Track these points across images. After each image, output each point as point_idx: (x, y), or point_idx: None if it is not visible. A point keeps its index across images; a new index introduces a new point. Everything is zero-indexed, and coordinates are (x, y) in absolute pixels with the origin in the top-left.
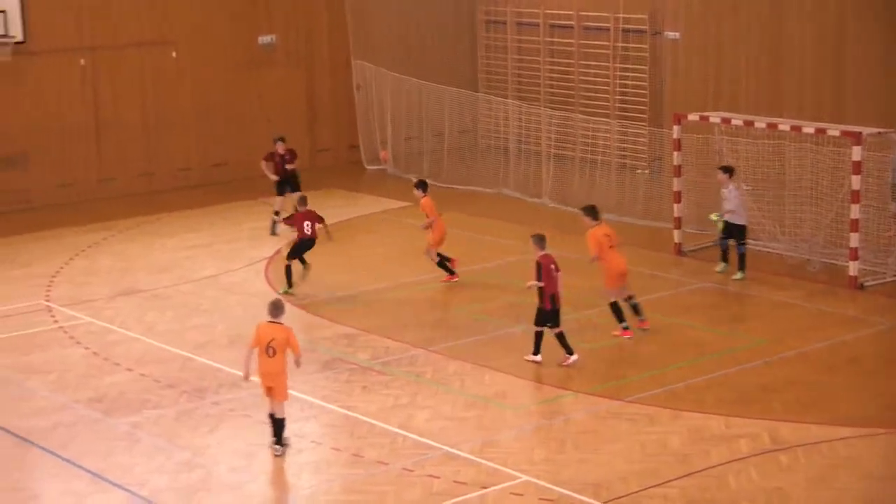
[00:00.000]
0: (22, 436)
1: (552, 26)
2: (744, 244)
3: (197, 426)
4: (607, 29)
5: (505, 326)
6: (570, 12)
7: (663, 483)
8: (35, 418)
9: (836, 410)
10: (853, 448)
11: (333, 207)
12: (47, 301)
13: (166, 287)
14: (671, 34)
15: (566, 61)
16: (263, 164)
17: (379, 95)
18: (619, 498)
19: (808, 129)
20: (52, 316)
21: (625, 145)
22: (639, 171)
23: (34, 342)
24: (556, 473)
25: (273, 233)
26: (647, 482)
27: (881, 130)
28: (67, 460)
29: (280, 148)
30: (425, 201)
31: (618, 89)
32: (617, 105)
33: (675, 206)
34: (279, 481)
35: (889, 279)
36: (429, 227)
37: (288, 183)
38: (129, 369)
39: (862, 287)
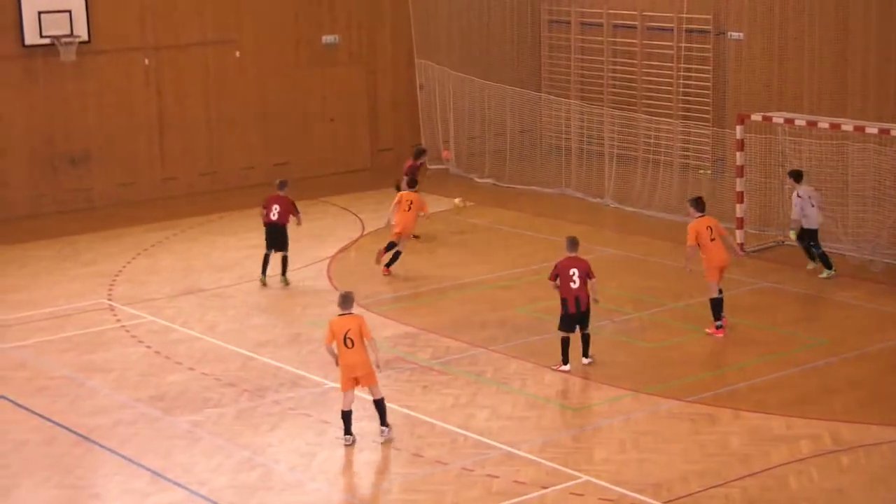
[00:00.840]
0: (83, 434)
1: (615, 26)
2: (814, 245)
3: (257, 425)
4: (671, 29)
5: None
6: (634, 12)
7: (724, 483)
8: (96, 417)
9: None
10: None
11: None
12: (109, 300)
13: (227, 286)
14: (735, 34)
15: (629, 61)
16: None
17: (442, 95)
18: (680, 498)
19: (872, 129)
20: (115, 315)
21: (688, 146)
22: (701, 171)
23: (96, 341)
24: (616, 473)
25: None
26: (707, 482)
27: None
28: (128, 458)
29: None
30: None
31: (681, 90)
32: (680, 105)
33: (738, 206)
34: (339, 480)
35: None
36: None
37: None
38: (190, 368)
39: None
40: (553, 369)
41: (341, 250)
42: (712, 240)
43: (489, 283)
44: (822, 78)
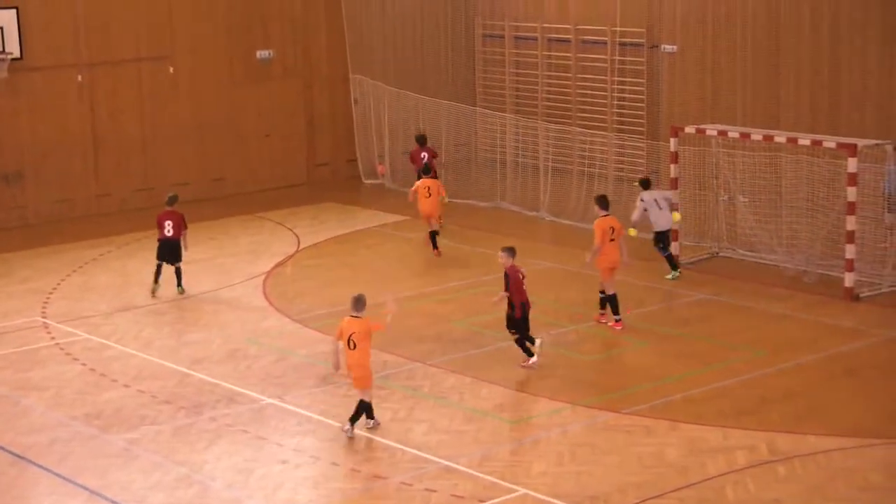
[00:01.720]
0: (19, 453)
1: (550, 40)
2: (661, 247)
3: (194, 442)
4: (604, 42)
5: (502, 340)
6: (568, 26)
7: (661, 495)
8: (32, 435)
9: (833, 421)
10: (850, 459)
11: (332, 221)
12: (44, 317)
13: (164, 303)
14: (668, 47)
15: (564, 75)
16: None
17: (377, 109)
18: None
19: (804, 140)
20: (49, 332)
21: (622, 158)
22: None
23: (31, 359)
24: (554, 486)
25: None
26: (644, 494)
27: (877, 142)
28: (64, 477)
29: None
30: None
31: (615, 102)
32: (614, 118)
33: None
34: (277, 497)
35: (885, 290)
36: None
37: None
38: (126, 385)
39: (858, 298)
40: (523, 366)
41: (277, 265)
42: (612, 240)
43: (426, 298)
44: (755, 90)
